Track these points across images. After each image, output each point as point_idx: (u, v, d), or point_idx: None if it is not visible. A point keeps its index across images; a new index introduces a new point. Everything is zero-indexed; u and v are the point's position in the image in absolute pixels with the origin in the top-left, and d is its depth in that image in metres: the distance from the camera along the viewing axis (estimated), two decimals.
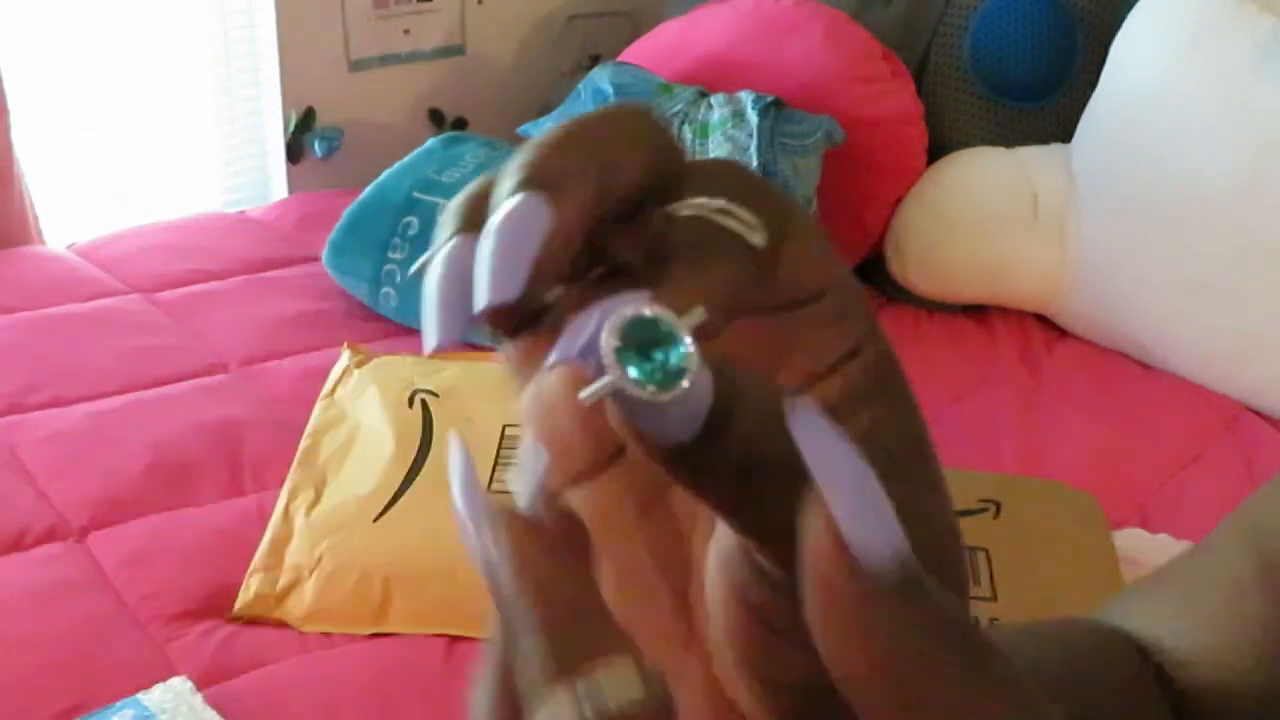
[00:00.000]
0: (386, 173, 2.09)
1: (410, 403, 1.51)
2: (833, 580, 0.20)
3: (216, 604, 1.35)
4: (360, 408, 1.54)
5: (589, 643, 0.22)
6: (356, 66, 2.65)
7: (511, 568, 0.22)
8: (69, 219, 2.44)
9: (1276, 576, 0.41)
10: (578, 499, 0.26)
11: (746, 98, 1.96)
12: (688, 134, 1.97)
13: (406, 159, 2.11)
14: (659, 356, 0.21)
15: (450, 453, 0.25)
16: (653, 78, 2.10)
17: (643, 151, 0.25)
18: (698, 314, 0.21)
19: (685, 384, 0.20)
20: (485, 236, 0.24)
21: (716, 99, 2.00)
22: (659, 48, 2.28)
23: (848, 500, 0.20)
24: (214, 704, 1.18)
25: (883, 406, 0.27)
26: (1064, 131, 2.06)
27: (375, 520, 1.38)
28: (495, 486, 1.39)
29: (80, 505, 1.50)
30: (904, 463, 0.27)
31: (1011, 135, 2.12)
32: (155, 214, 2.41)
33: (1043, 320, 2.06)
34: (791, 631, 0.23)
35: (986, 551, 1.29)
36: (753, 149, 1.90)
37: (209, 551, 1.42)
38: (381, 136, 2.62)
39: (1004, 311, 2.07)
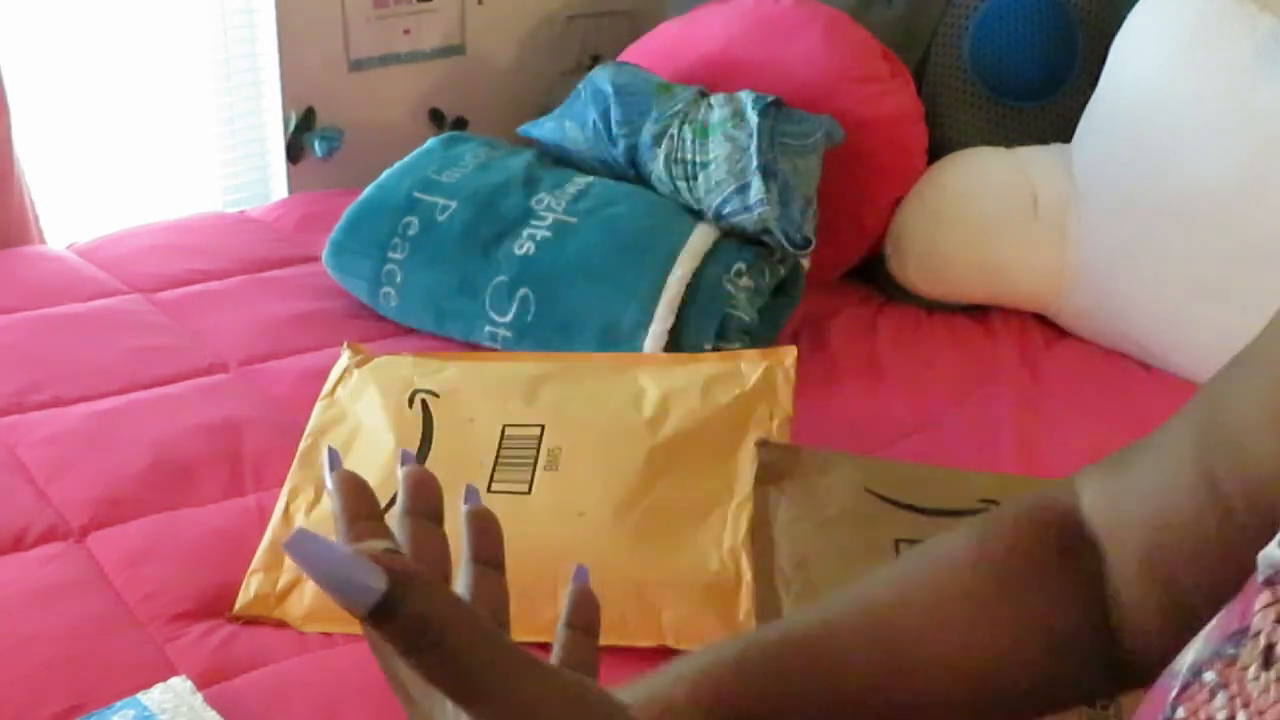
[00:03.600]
0: (386, 173, 2.09)
1: (410, 403, 1.51)
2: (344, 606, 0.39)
3: (216, 604, 1.35)
4: (360, 408, 1.54)
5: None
6: (356, 66, 2.65)
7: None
8: (69, 219, 2.44)
9: (1209, 465, 0.55)
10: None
11: (746, 98, 1.96)
12: (688, 134, 1.97)
13: (406, 159, 2.12)
14: None
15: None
16: (653, 78, 2.10)
17: None
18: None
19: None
20: None
21: (716, 99, 2.00)
22: (659, 48, 2.27)
23: (325, 581, 0.38)
24: (214, 704, 1.18)
25: None
26: (1064, 131, 2.06)
27: None
28: (496, 486, 1.39)
29: (80, 505, 1.50)
30: None
31: (1011, 135, 2.12)
32: (155, 214, 2.41)
33: (1043, 320, 2.06)
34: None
35: None
36: (753, 149, 1.90)
37: (209, 551, 1.42)
38: (381, 136, 2.62)
39: (1004, 311, 2.07)
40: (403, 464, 0.48)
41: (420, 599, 0.39)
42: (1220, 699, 0.42)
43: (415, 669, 0.40)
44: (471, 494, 0.51)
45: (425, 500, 0.47)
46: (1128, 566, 0.59)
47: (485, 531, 0.49)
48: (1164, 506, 0.57)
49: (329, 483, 0.46)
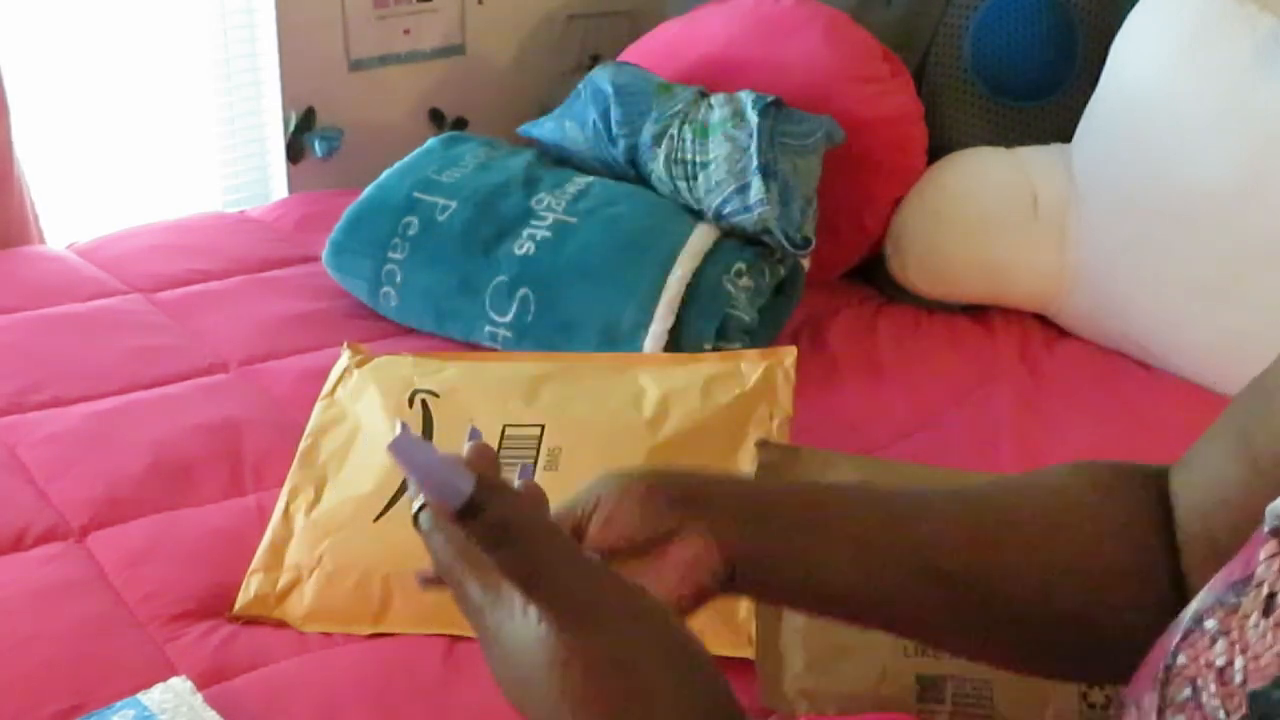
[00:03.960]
0: (386, 173, 2.09)
1: (410, 403, 1.51)
2: (433, 507, 0.48)
3: (216, 604, 1.35)
4: (360, 408, 1.54)
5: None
6: (356, 66, 2.65)
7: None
8: (69, 219, 2.44)
9: (1252, 448, 0.59)
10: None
11: (746, 98, 1.96)
12: (688, 134, 1.97)
13: (406, 159, 2.12)
14: None
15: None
16: (653, 78, 2.10)
17: None
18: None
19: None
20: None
21: (716, 99, 2.00)
22: (659, 48, 2.27)
23: (422, 480, 0.46)
24: (214, 704, 1.18)
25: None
26: (1064, 131, 2.06)
27: (375, 520, 1.38)
28: None
29: (80, 505, 1.50)
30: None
31: (1011, 135, 2.12)
32: (155, 214, 2.41)
33: (1043, 320, 2.06)
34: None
35: None
36: (753, 149, 1.90)
37: (209, 551, 1.42)
38: (381, 136, 2.62)
39: (1004, 311, 2.07)
40: (470, 439, 0.56)
41: (503, 503, 0.46)
42: (1220, 645, 0.44)
43: (495, 564, 0.47)
44: (525, 470, 0.59)
45: (484, 465, 0.53)
46: (1185, 517, 0.63)
47: (536, 502, 0.56)
48: (1207, 464, 0.62)
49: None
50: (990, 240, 2.03)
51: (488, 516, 0.46)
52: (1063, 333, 2.04)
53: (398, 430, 0.49)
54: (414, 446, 0.45)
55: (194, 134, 2.59)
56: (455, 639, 1.30)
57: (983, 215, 2.04)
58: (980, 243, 2.04)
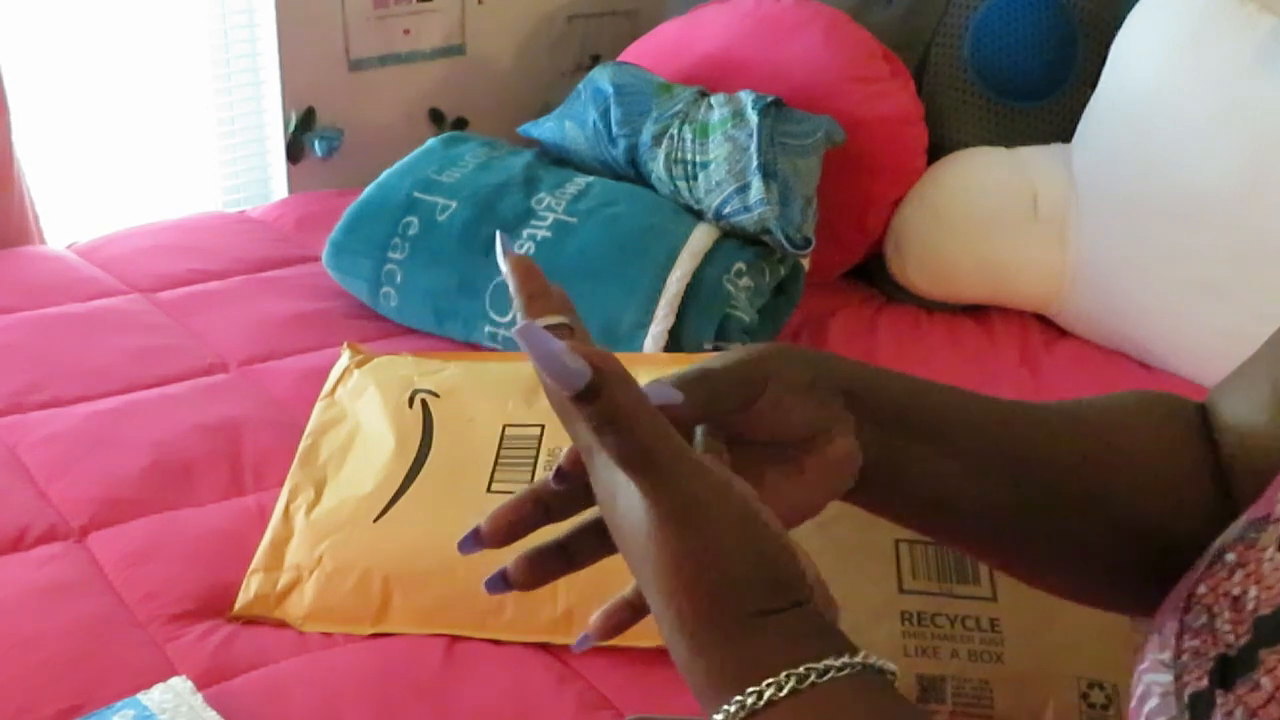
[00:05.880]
0: (386, 173, 2.09)
1: (410, 403, 1.51)
2: (549, 388, 0.49)
3: (216, 604, 1.35)
4: (360, 408, 1.54)
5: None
6: (356, 66, 2.65)
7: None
8: (69, 219, 2.44)
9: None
10: None
11: (746, 98, 1.96)
12: (688, 134, 1.97)
13: (406, 159, 2.12)
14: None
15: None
16: (653, 78, 2.10)
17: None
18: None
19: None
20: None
21: (716, 99, 2.00)
22: (659, 48, 2.28)
23: (544, 366, 0.48)
24: (214, 704, 1.18)
25: None
26: (1064, 131, 2.06)
27: (375, 520, 1.38)
28: (496, 486, 1.39)
29: (80, 505, 1.50)
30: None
31: (1011, 135, 2.12)
32: (155, 214, 2.41)
33: (1043, 320, 2.06)
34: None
35: None
36: (753, 149, 1.90)
37: (209, 551, 1.42)
38: (381, 136, 2.62)
39: (1004, 311, 2.07)
40: (503, 249, 0.56)
41: (616, 390, 0.48)
42: (1238, 576, 0.47)
43: (603, 446, 0.49)
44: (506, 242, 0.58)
45: (531, 284, 0.55)
46: (1225, 459, 0.64)
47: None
48: (1241, 407, 0.63)
49: (502, 265, 0.55)
50: (990, 240, 2.03)
51: (600, 403, 0.48)
52: (1063, 333, 2.04)
53: (499, 251, 0.54)
54: (537, 334, 0.48)
55: (194, 134, 2.59)
56: (455, 639, 1.30)
57: (983, 215, 2.04)
58: (980, 243, 2.04)
